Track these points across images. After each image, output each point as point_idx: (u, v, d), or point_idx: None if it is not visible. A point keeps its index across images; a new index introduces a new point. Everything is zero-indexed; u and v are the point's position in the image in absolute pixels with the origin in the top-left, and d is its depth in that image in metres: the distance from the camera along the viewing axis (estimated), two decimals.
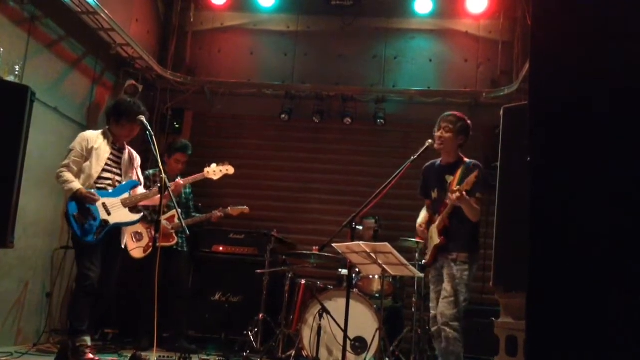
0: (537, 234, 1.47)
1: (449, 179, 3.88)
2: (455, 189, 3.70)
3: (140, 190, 4.45)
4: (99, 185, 4.22)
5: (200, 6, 7.45)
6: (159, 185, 3.95)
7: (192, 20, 7.46)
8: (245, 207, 5.57)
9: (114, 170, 4.34)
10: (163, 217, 5.10)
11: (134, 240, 5.33)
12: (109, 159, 4.31)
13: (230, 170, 4.90)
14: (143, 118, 4.07)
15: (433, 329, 3.94)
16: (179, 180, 4.80)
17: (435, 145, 3.96)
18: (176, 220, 5.29)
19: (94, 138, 4.29)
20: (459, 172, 3.84)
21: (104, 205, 4.15)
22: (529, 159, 1.52)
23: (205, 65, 7.42)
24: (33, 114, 3.86)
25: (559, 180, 1.48)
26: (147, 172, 5.46)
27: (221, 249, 6.13)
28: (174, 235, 5.34)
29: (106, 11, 5.48)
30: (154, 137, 3.90)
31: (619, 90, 1.48)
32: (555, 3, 1.62)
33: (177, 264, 5.37)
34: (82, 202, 4.09)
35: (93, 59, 6.12)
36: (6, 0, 4.72)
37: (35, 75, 5.00)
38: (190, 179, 4.94)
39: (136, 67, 6.64)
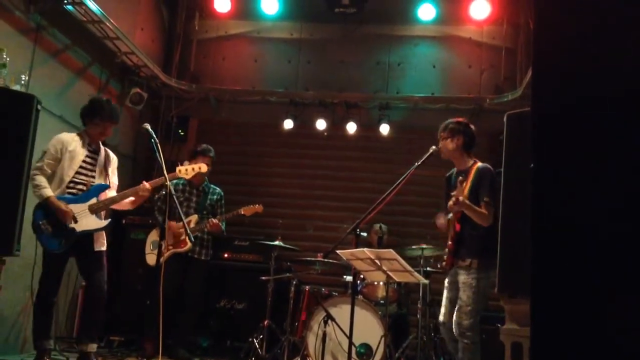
0: (540, 240, 1.47)
1: (463, 184, 3.84)
2: (452, 194, 3.68)
3: (111, 193, 4.37)
4: (70, 190, 4.18)
5: (205, 14, 7.50)
6: (163, 192, 3.94)
7: (196, 28, 7.50)
8: (258, 205, 5.39)
9: (89, 173, 4.30)
10: (179, 223, 5.06)
11: (151, 247, 5.32)
12: (83, 161, 4.27)
13: (203, 168, 4.64)
14: (148, 126, 4.07)
15: (443, 336, 3.91)
16: (144, 184, 4.38)
17: (442, 156, 3.95)
18: (192, 225, 5.25)
19: (69, 140, 4.25)
20: (471, 177, 3.80)
21: (72, 213, 4.11)
22: (532, 165, 1.52)
23: (210, 73, 7.46)
24: (39, 122, 3.88)
25: (562, 186, 1.49)
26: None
27: (226, 255, 6.13)
28: (187, 240, 5.21)
29: (111, 20, 5.53)
30: (158, 145, 3.91)
31: (622, 95, 1.49)
32: (557, 9, 1.62)
33: (191, 273, 5.33)
34: (50, 210, 4.07)
35: (98, 67, 6.16)
36: (12, 10, 4.77)
37: (41, 84, 5.03)
38: (156, 181, 4.59)
39: (141, 76, 6.67)
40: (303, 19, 7.35)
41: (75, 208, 4.13)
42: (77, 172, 4.23)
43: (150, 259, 5.30)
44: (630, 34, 1.50)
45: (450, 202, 3.67)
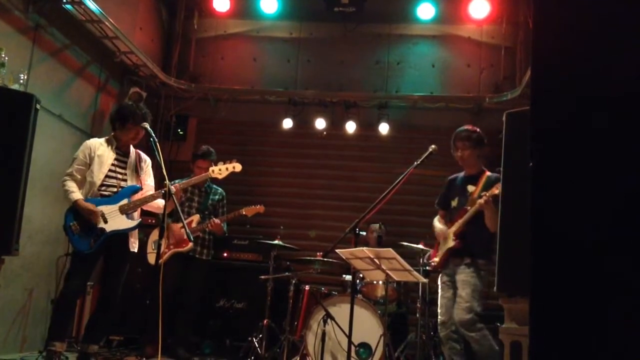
0: (539, 239, 1.47)
1: (471, 188, 3.96)
2: (482, 194, 3.75)
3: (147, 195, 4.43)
4: (103, 192, 4.24)
5: (204, 13, 7.49)
6: (163, 191, 3.96)
7: (195, 27, 7.50)
8: (260, 206, 5.39)
9: (119, 176, 4.35)
10: (179, 223, 5.06)
11: (153, 247, 5.32)
12: (113, 164, 4.33)
13: (237, 167, 4.70)
14: (147, 125, 4.09)
15: (441, 335, 3.94)
16: (176, 185, 4.49)
17: (460, 163, 4.06)
18: (193, 225, 5.26)
19: (97, 145, 4.33)
20: (481, 183, 3.93)
21: (101, 213, 4.16)
22: (531, 164, 1.52)
23: (209, 72, 7.45)
24: (38, 121, 3.88)
25: (561, 185, 1.49)
26: (172, 182, 5.43)
27: (225, 255, 6.13)
28: (188, 240, 5.15)
29: (110, 19, 5.52)
30: (157, 144, 3.91)
31: (622, 95, 1.49)
32: (557, 8, 1.62)
33: (191, 272, 5.34)
34: (80, 213, 4.13)
35: (97, 66, 6.15)
36: (11, 9, 4.76)
37: (39, 83, 5.04)
38: (193, 180, 4.90)
39: (140, 75, 6.67)
40: (302, 18, 7.35)
41: (105, 209, 4.18)
42: (107, 176, 4.28)
43: (152, 258, 5.30)
44: (630, 33, 1.50)
45: (482, 200, 3.73)
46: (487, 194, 3.69)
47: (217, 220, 5.24)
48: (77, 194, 4.15)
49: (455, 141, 4.07)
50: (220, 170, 4.64)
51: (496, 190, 3.67)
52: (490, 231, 3.78)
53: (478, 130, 4.12)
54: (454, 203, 4.09)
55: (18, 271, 4.97)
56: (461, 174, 4.18)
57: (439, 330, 4.02)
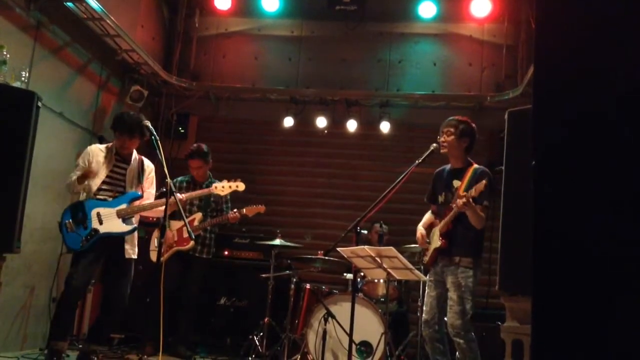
0: (541, 238, 1.47)
1: (457, 183, 3.89)
2: (462, 194, 3.69)
3: (145, 202, 4.41)
4: (98, 197, 4.25)
5: (205, 12, 7.49)
6: (163, 189, 3.97)
7: (196, 25, 7.49)
8: (261, 206, 5.41)
9: (117, 182, 4.35)
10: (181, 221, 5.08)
11: (155, 244, 5.32)
12: (111, 171, 4.33)
13: (240, 186, 4.88)
14: (148, 123, 4.08)
15: (424, 333, 3.90)
16: (181, 196, 4.46)
17: (441, 150, 3.97)
18: (195, 224, 5.28)
19: (97, 151, 4.34)
20: (467, 178, 3.85)
21: (97, 214, 4.17)
22: (533, 162, 1.52)
23: (210, 70, 7.45)
24: (39, 119, 3.88)
25: (563, 184, 1.48)
26: (174, 180, 5.43)
27: (226, 253, 6.13)
28: (189, 239, 5.14)
29: (112, 17, 5.52)
30: (159, 142, 3.91)
31: (623, 93, 1.48)
32: (559, 6, 1.62)
33: (190, 271, 5.35)
34: (77, 210, 4.14)
35: (98, 64, 6.15)
36: (12, 7, 4.76)
37: (41, 81, 5.03)
38: (195, 194, 4.95)
39: (141, 73, 6.67)
40: (304, 16, 7.34)
41: (102, 211, 4.19)
42: (104, 182, 4.29)
43: (154, 256, 5.31)
44: (631, 32, 1.49)
45: (460, 202, 3.67)
46: (467, 195, 3.63)
47: (233, 214, 5.26)
48: (74, 176, 4.17)
49: (442, 127, 4.02)
50: (223, 187, 4.81)
51: (474, 192, 3.62)
52: (477, 229, 3.73)
53: (469, 122, 4.01)
54: (441, 198, 4.02)
55: (19, 269, 4.97)
56: (448, 167, 4.08)
57: (422, 329, 3.96)
